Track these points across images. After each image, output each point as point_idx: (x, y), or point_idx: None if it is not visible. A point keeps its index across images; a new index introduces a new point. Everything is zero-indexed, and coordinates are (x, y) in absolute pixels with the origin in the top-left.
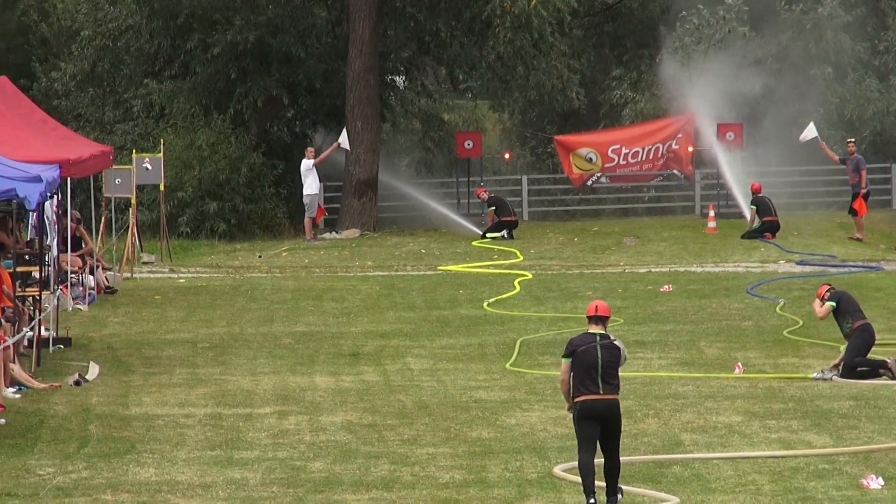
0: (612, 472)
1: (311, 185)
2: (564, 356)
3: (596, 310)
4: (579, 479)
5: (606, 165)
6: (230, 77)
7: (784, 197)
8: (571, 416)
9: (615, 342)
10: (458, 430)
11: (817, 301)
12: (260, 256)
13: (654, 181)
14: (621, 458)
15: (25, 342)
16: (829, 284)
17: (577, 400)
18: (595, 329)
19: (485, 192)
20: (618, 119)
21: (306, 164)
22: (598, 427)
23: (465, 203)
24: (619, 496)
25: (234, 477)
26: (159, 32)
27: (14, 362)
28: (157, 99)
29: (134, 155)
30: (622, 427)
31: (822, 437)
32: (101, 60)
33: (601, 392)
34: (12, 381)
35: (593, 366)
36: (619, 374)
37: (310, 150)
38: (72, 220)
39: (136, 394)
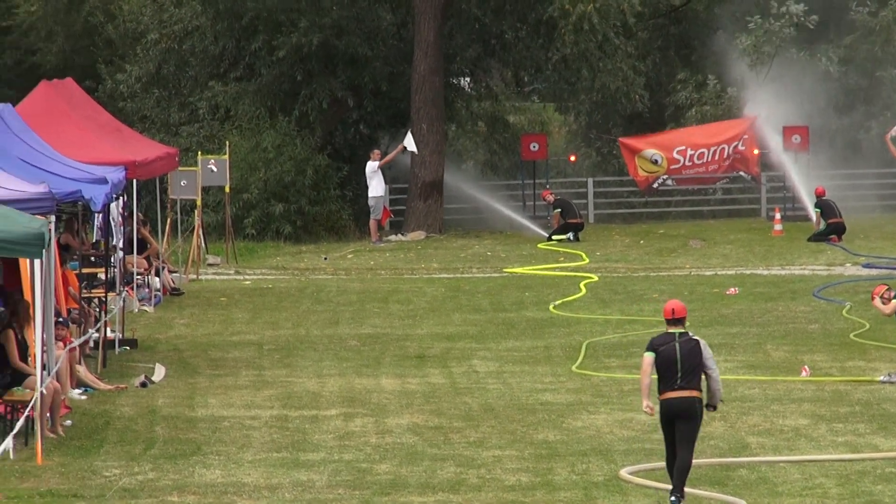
0: (682, 470)
1: (376, 187)
2: (648, 350)
3: (672, 312)
4: (646, 483)
5: (672, 167)
6: (295, 79)
7: (851, 200)
8: (647, 415)
9: (694, 337)
10: (525, 433)
11: (877, 300)
12: (326, 258)
13: (720, 183)
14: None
15: (91, 344)
16: (887, 285)
17: (660, 398)
18: (673, 330)
19: (551, 194)
20: (682, 121)
21: (371, 166)
22: (677, 424)
23: (530, 205)
24: (681, 499)
25: (301, 479)
26: (224, 34)
27: (80, 364)
28: (222, 101)
29: (199, 157)
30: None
31: (889, 441)
32: (166, 62)
33: (680, 389)
34: (78, 383)
35: (673, 362)
36: (714, 373)
37: (375, 152)
38: (137, 222)
39: (202, 395)
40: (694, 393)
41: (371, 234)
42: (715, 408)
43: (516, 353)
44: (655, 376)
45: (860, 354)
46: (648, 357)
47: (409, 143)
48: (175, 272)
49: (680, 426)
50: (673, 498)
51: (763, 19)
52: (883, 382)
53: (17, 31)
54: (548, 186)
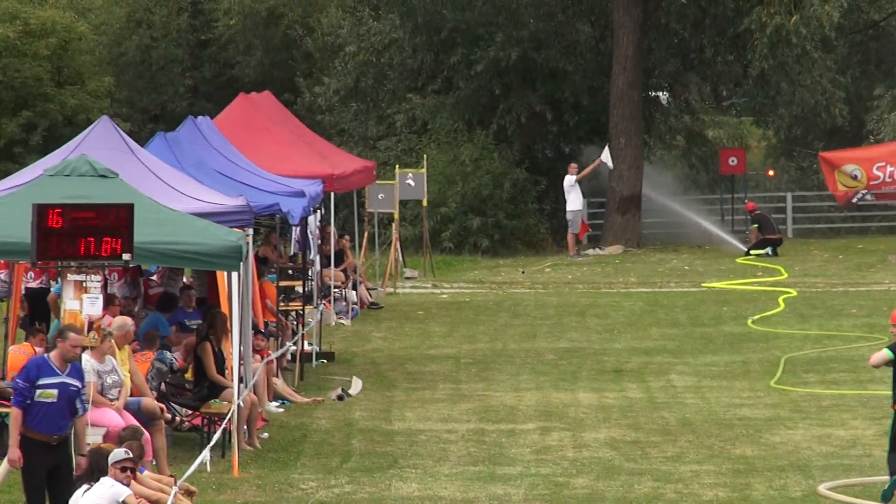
0: None
1: (574, 201)
2: (888, 348)
3: None
4: (844, 499)
5: (871, 183)
6: (493, 92)
7: None
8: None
9: None
10: (722, 448)
11: None
12: (523, 272)
13: None
14: None
15: (288, 356)
16: None
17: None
18: None
19: (753, 205)
20: (881, 137)
21: (569, 179)
22: None
23: (728, 220)
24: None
25: (497, 493)
26: (422, 47)
27: (277, 376)
28: (419, 114)
29: (397, 170)
30: None
31: None
32: (364, 75)
33: None
34: (275, 396)
35: None
36: None
37: (573, 166)
38: (335, 235)
39: (398, 409)
40: None
41: (569, 248)
42: None
43: (714, 368)
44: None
45: None
46: (886, 354)
47: (607, 157)
48: (373, 288)
49: None
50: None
51: None
52: None
53: (216, 44)
54: (748, 200)
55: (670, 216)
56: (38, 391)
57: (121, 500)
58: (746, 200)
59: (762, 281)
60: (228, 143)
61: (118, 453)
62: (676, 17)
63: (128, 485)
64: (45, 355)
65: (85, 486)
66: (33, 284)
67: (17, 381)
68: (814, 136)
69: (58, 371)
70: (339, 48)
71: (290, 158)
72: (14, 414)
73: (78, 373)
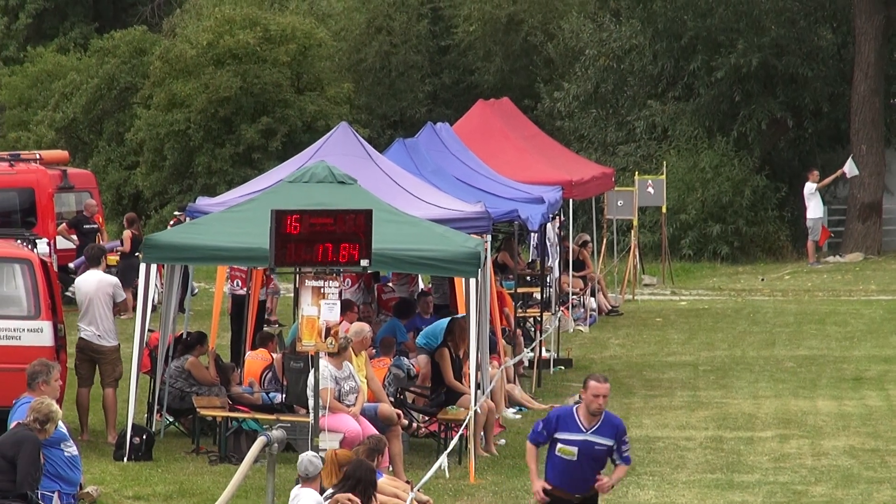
0: None
1: (814, 208)
2: None
3: None
4: None
5: None
6: (734, 99)
7: None
8: None
9: None
10: None
11: None
12: (763, 279)
13: None
14: None
15: (526, 363)
16: None
17: None
18: None
19: None
20: None
21: (809, 187)
22: None
23: None
24: None
25: (735, 500)
26: (663, 54)
27: (514, 383)
28: (659, 120)
29: (636, 177)
30: None
31: None
32: (604, 81)
33: None
34: (512, 402)
35: None
36: None
37: (814, 172)
38: (575, 244)
39: (636, 415)
40: None
41: (808, 256)
42: None
43: None
44: None
45: None
46: None
47: (850, 168)
48: (615, 308)
49: None
50: None
51: None
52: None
53: (456, 50)
54: None
55: None
56: (558, 445)
57: None
58: None
59: None
60: (467, 149)
61: None
62: None
63: None
64: (573, 407)
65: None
66: (240, 292)
67: (538, 423)
68: None
69: (582, 427)
70: (579, 53)
71: (528, 165)
72: (528, 448)
73: (609, 429)
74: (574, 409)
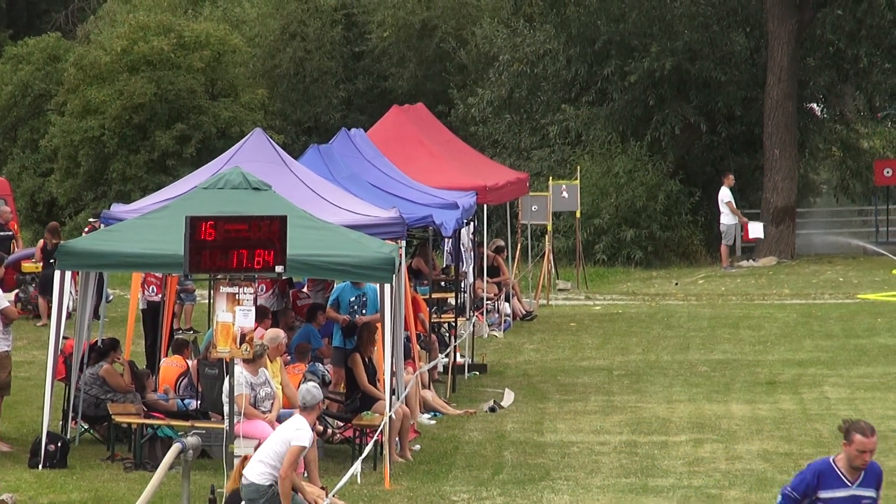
0: None
1: (728, 213)
2: None
3: None
4: None
5: None
6: (647, 104)
7: None
8: None
9: None
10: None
11: None
12: (676, 284)
13: None
14: None
15: (441, 368)
16: None
17: None
18: None
19: None
20: None
21: (724, 192)
22: None
23: (883, 231)
24: None
25: None
26: (577, 58)
27: (429, 388)
28: (573, 125)
29: (550, 182)
30: None
31: None
32: (518, 86)
33: None
34: (427, 408)
35: None
36: None
37: (728, 176)
38: (490, 249)
39: (550, 420)
40: None
41: (722, 260)
42: None
43: (868, 380)
44: None
45: None
46: None
47: (756, 232)
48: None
49: None
50: None
51: None
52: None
53: (370, 56)
54: None
55: (824, 227)
56: None
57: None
58: None
59: None
60: (381, 155)
61: None
62: (832, 28)
63: None
64: (829, 460)
65: None
66: (155, 299)
67: (788, 486)
68: None
69: (847, 481)
70: (492, 59)
71: (442, 171)
72: None
73: (872, 478)
74: (831, 461)
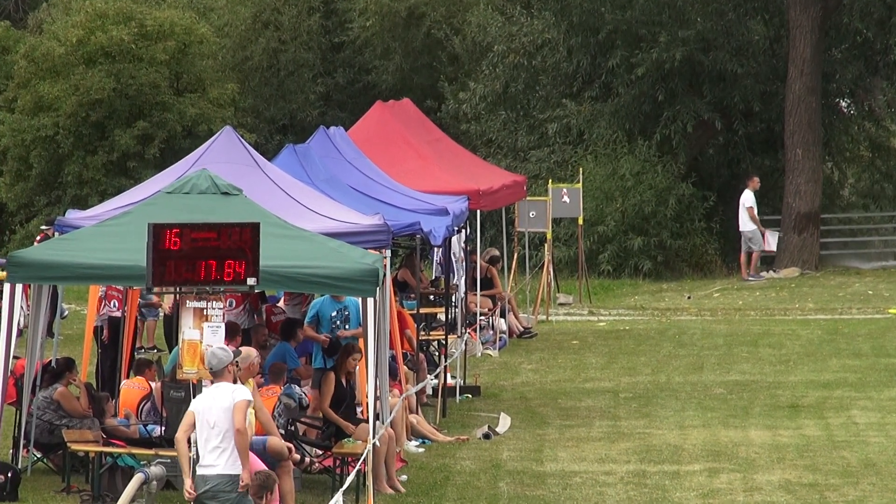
0: None
1: (748, 219)
2: None
3: None
4: None
5: None
6: (656, 99)
7: None
8: None
9: None
10: None
11: None
12: (689, 297)
13: None
14: None
15: (429, 391)
16: None
17: None
18: None
19: None
20: None
21: (748, 196)
22: None
23: None
24: None
25: None
26: (579, 49)
27: (417, 413)
28: (575, 123)
29: (550, 185)
30: None
31: None
32: (514, 80)
33: None
34: (414, 434)
35: None
36: None
37: (753, 179)
38: (483, 259)
39: (551, 448)
40: None
41: (742, 269)
42: None
43: None
44: None
45: None
46: None
47: (772, 242)
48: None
49: None
50: None
51: None
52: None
53: (351, 47)
54: None
55: (852, 235)
56: None
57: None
58: None
59: None
60: (364, 155)
61: None
62: (860, 15)
63: None
64: None
65: None
66: (117, 314)
67: None
68: None
69: None
70: (486, 49)
71: (431, 173)
72: None
73: None
74: None
